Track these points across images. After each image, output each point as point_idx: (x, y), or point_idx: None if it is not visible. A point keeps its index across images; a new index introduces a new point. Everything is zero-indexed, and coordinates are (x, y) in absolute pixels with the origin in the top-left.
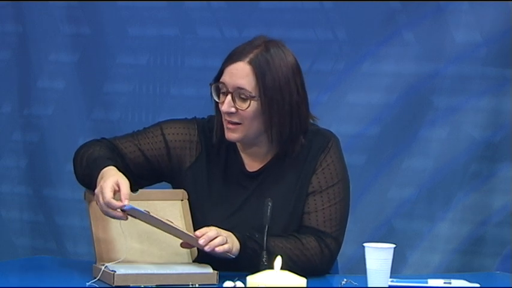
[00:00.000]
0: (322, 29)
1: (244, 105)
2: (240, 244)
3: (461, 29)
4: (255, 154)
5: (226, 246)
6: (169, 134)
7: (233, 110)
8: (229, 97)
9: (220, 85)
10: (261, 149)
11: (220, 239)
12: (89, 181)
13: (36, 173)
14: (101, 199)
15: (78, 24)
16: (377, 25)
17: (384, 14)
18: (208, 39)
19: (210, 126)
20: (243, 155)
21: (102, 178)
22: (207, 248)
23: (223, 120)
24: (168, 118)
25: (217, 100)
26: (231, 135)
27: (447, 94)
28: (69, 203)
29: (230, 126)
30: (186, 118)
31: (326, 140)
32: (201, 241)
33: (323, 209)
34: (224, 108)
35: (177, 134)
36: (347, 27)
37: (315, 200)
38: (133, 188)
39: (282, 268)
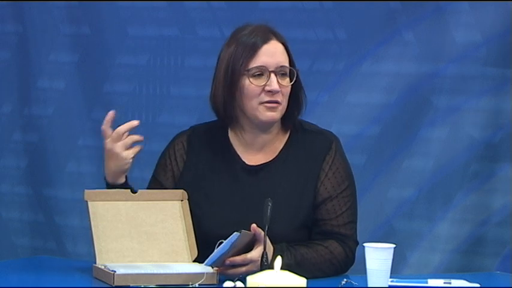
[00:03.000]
0: (322, 29)
1: (286, 82)
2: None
3: (461, 29)
4: (258, 144)
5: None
6: (162, 180)
7: (279, 88)
8: (273, 76)
9: (258, 68)
10: (271, 135)
11: (244, 269)
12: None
13: (36, 173)
14: (110, 138)
15: (78, 24)
16: (377, 25)
17: (384, 14)
18: (208, 39)
19: (199, 130)
20: (239, 149)
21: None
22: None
23: (255, 105)
24: (168, 119)
25: (255, 84)
26: (273, 115)
27: (447, 94)
28: (69, 203)
29: (274, 105)
30: (172, 139)
31: (328, 141)
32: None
33: (342, 213)
34: (275, 87)
35: (165, 171)
36: (347, 27)
37: (333, 205)
38: (133, 189)
39: (307, 277)
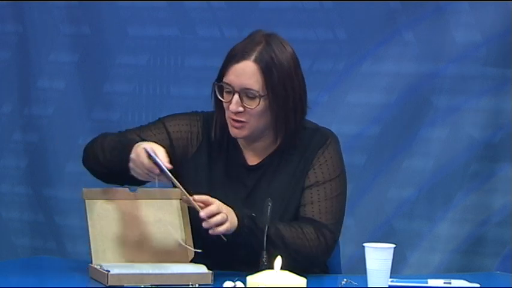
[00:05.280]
0: (322, 29)
1: (253, 104)
2: (238, 221)
3: (461, 29)
4: (257, 148)
5: (224, 227)
6: (171, 125)
7: (241, 109)
8: (236, 96)
9: (225, 85)
10: (264, 143)
11: (220, 217)
12: (118, 160)
13: (36, 173)
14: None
15: (78, 24)
16: (377, 25)
17: (384, 14)
18: (208, 39)
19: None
20: (244, 150)
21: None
22: (205, 225)
23: (227, 117)
24: None
25: (222, 99)
26: (237, 132)
27: (447, 94)
28: (69, 203)
29: (236, 124)
30: (187, 112)
31: (325, 137)
32: (202, 213)
33: (319, 201)
34: (232, 108)
35: (179, 125)
36: (347, 27)
37: (311, 193)
38: (137, 183)
39: (282, 255)
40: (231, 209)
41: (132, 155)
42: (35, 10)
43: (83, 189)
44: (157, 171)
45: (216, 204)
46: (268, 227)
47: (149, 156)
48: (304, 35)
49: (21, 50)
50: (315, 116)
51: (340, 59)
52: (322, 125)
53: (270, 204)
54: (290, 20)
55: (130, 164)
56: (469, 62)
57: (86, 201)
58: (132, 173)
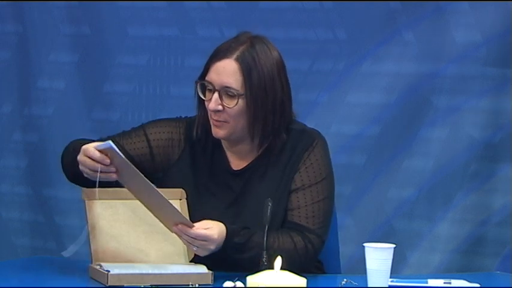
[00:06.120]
0: (322, 29)
1: (232, 103)
2: (227, 239)
3: (461, 29)
4: (241, 151)
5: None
6: (151, 133)
7: (220, 107)
8: (216, 95)
9: (206, 83)
10: (247, 146)
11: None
12: (72, 165)
13: (36, 173)
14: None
15: (78, 24)
16: (377, 25)
17: (384, 14)
18: (208, 39)
19: (194, 124)
20: (228, 153)
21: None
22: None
23: (209, 117)
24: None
25: (203, 98)
26: (218, 132)
27: (447, 94)
28: (69, 203)
29: (217, 123)
30: (170, 117)
31: (311, 139)
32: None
33: (306, 205)
34: (211, 106)
35: (159, 133)
36: (347, 27)
37: (297, 197)
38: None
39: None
40: (215, 232)
41: (79, 157)
42: (35, 10)
43: (83, 189)
44: (107, 161)
45: (206, 230)
46: (256, 238)
47: (101, 150)
48: (304, 35)
49: (21, 50)
50: (315, 116)
51: (340, 59)
52: (322, 125)
53: (270, 204)
54: (290, 20)
55: (80, 166)
56: (469, 62)
57: (86, 201)
58: (84, 174)
